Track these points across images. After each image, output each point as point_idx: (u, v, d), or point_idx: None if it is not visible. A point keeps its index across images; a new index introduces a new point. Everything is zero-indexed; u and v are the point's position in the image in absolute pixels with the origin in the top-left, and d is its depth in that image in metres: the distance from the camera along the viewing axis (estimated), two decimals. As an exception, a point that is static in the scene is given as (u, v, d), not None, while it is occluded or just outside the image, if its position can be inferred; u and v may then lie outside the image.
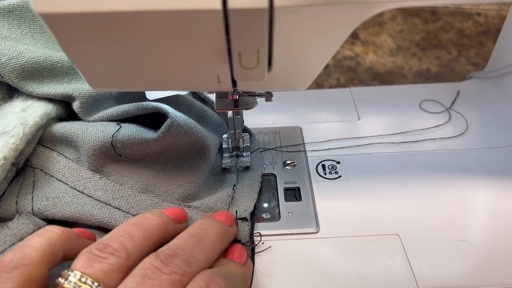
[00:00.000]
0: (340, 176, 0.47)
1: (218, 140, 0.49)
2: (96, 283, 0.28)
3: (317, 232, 0.42)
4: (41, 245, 0.31)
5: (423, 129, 0.52)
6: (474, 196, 0.45)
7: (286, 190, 0.46)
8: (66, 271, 0.29)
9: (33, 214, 0.40)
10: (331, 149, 0.50)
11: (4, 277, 0.28)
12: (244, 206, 0.43)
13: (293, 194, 0.46)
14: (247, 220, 0.41)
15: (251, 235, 0.41)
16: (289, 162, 0.49)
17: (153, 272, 0.29)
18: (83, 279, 0.28)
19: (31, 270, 0.29)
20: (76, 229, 0.37)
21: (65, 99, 0.44)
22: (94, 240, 0.38)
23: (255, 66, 0.30)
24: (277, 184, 0.47)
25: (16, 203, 0.41)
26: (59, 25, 0.27)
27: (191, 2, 0.25)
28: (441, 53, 0.89)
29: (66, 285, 0.28)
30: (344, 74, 0.84)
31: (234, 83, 0.34)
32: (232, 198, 0.44)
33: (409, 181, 0.46)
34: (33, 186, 0.42)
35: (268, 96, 0.42)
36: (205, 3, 0.25)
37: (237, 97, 0.40)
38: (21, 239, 0.38)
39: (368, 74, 0.85)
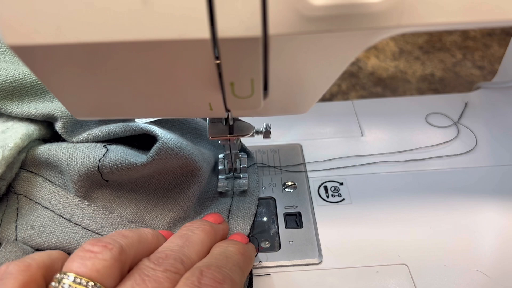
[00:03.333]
0: (343, 199, 0.44)
1: (213, 158, 0.46)
2: (91, 283, 0.26)
3: (320, 262, 0.39)
4: (40, 256, 0.30)
5: (430, 146, 0.50)
6: (486, 219, 0.42)
7: (287, 215, 0.43)
8: (58, 274, 0.27)
9: None
10: (333, 168, 0.48)
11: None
12: (239, 230, 0.41)
13: (294, 219, 0.43)
14: None
15: None
16: (289, 183, 0.46)
17: (149, 271, 0.29)
18: (78, 280, 0.27)
19: (28, 276, 0.28)
20: None
21: (47, 119, 0.42)
22: None
23: (249, 95, 0.28)
24: (277, 208, 0.44)
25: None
26: (32, 57, 0.25)
27: (178, 31, 0.22)
28: (445, 56, 0.87)
29: None
30: (345, 80, 0.82)
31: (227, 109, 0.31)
32: (228, 221, 0.42)
33: (416, 203, 0.44)
34: (17, 214, 0.40)
35: (266, 134, 0.41)
36: (192, 32, 0.22)
37: (232, 123, 0.37)
38: None
39: (370, 80, 0.82)
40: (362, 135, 0.52)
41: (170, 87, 0.28)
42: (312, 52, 0.25)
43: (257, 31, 0.22)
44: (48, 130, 0.44)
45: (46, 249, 0.38)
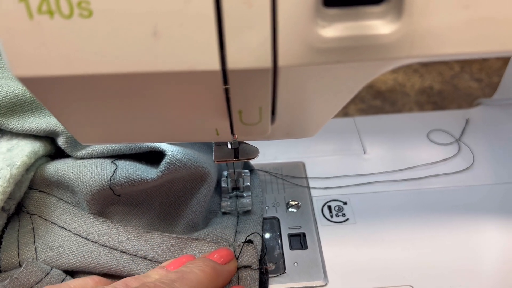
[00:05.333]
0: (347, 219, 0.44)
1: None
2: None
3: (325, 285, 0.39)
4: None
5: (431, 163, 0.50)
6: (489, 238, 0.42)
7: (291, 236, 0.43)
8: None
9: None
10: (337, 187, 0.47)
11: None
12: (251, 231, 0.42)
13: (298, 240, 0.43)
14: (252, 243, 0.40)
15: (262, 259, 0.39)
16: (293, 203, 0.46)
17: None
18: None
19: None
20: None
21: (49, 134, 0.42)
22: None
23: (257, 122, 0.28)
24: (281, 229, 0.44)
25: (18, 255, 0.39)
26: (40, 88, 0.24)
27: (188, 63, 0.22)
28: (443, 68, 0.87)
29: None
30: (344, 93, 0.82)
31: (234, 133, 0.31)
32: (237, 228, 0.43)
33: (420, 223, 0.44)
34: (34, 235, 0.40)
35: None
36: (202, 64, 0.22)
37: (237, 145, 0.37)
38: None
39: (369, 93, 0.82)
40: (364, 152, 0.52)
41: (177, 115, 0.28)
42: (321, 81, 0.25)
43: (267, 63, 0.22)
44: (53, 146, 0.44)
45: (67, 270, 0.39)
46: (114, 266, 0.39)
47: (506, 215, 0.44)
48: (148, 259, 0.39)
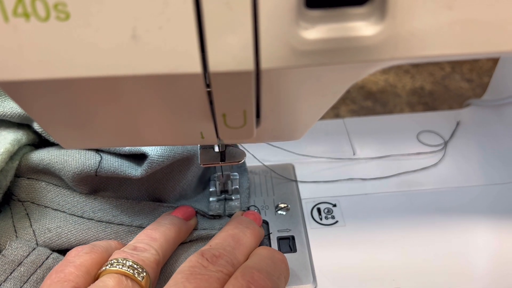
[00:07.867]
0: (337, 222, 0.44)
1: None
2: (140, 267, 0.32)
3: (314, 288, 0.39)
4: (105, 244, 0.37)
5: (419, 154, 0.50)
6: (478, 240, 0.42)
7: (280, 239, 0.43)
8: (107, 263, 0.33)
9: None
10: (326, 182, 0.48)
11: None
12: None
13: (287, 243, 0.43)
14: None
15: None
16: (282, 205, 0.46)
17: (201, 269, 0.32)
18: (127, 263, 0.32)
19: (99, 256, 0.35)
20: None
21: (24, 120, 0.41)
22: None
23: (242, 126, 0.27)
24: (270, 232, 0.43)
25: (17, 239, 0.39)
26: (17, 92, 0.24)
27: (169, 66, 0.22)
28: (434, 69, 0.87)
29: (111, 268, 0.32)
30: (335, 94, 0.81)
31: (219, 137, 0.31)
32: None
33: (409, 225, 0.43)
34: (29, 219, 0.40)
35: None
36: (184, 67, 0.22)
37: (224, 149, 0.36)
38: (20, 264, 0.37)
39: (360, 94, 0.82)
40: (354, 154, 0.52)
41: (161, 119, 0.27)
42: (305, 84, 0.25)
43: (249, 65, 0.22)
44: (37, 135, 0.43)
45: (67, 249, 0.39)
46: (113, 239, 0.40)
47: (497, 217, 0.44)
48: (144, 227, 0.40)
